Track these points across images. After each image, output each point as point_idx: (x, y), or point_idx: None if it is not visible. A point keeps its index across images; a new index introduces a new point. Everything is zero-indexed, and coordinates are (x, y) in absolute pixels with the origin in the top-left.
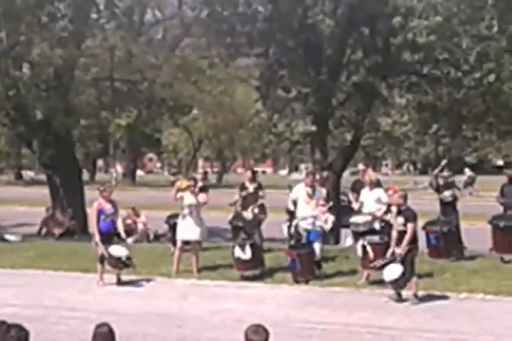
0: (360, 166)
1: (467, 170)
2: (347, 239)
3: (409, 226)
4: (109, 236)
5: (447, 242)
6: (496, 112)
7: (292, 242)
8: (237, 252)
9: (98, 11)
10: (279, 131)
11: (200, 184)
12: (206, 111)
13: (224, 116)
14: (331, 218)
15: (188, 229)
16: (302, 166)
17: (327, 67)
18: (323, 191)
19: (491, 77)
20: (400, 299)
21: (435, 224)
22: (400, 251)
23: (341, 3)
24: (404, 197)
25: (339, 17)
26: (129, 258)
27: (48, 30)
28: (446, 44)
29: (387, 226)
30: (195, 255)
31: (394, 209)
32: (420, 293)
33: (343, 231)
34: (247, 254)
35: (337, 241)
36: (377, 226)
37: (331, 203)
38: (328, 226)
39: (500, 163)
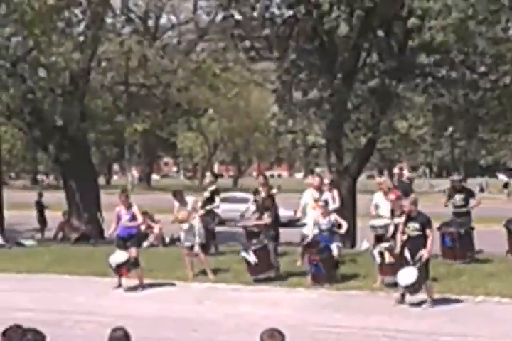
0: (396, 170)
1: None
2: (363, 243)
3: (429, 231)
4: (123, 241)
5: (463, 244)
6: (511, 114)
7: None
8: (245, 256)
9: (114, 15)
10: (291, 137)
11: (211, 188)
12: (221, 115)
13: (239, 119)
14: (344, 224)
15: (189, 235)
16: (317, 169)
17: (342, 71)
18: (333, 193)
19: (507, 79)
20: (402, 301)
21: (451, 226)
22: (426, 255)
23: (357, 7)
24: (415, 203)
25: (355, 21)
26: (119, 266)
27: (65, 35)
28: (462, 46)
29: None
30: (200, 258)
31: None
32: (436, 296)
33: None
34: (252, 258)
35: (353, 245)
36: (391, 230)
37: (336, 205)
38: (342, 231)
39: None
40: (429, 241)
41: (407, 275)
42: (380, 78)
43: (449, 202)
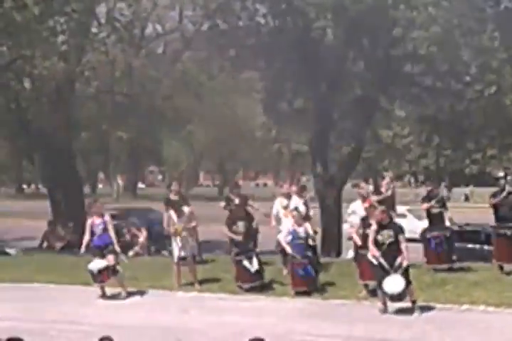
0: (388, 179)
1: None
2: (348, 252)
3: (402, 237)
4: (101, 250)
5: (449, 247)
6: (496, 125)
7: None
8: (247, 264)
9: (99, 24)
10: (277, 146)
11: (174, 197)
12: (207, 124)
13: (225, 128)
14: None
15: (182, 246)
16: (303, 179)
17: (328, 80)
18: (298, 199)
19: (492, 89)
20: (386, 310)
21: (434, 230)
22: (405, 262)
23: (343, 16)
24: (386, 212)
25: (340, 30)
26: (100, 271)
27: (49, 44)
28: (447, 56)
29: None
30: (191, 269)
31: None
32: (422, 305)
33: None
34: (254, 266)
35: (338, 254)
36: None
37: (311, 211)
38: (314, 243)
39: (501, 174)
40: (403, 247)
41: (395, 283)
42: (365, 88)
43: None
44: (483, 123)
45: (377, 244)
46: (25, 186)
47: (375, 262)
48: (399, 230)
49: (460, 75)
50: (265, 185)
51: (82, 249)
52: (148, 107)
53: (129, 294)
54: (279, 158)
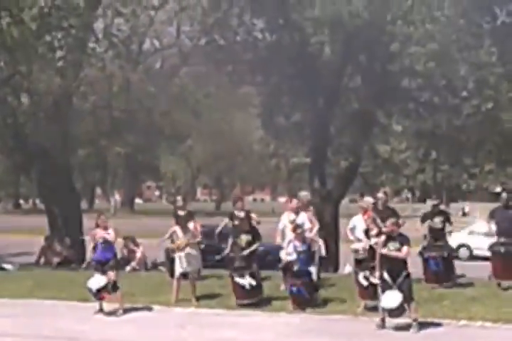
0: (380, 194)
1: None
2: (346, 267)
3: (406, 248)
4: (101, 265)
5: (447, 266)
6: (493, 140)
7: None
8: (240, 280)
9: (96, 40)
10: (275, 161)
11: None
12: (204, 139)
13: (222, 143)
14: (321, 244)
15: (185, 261)
16: (303, 193)
17: (325, 95)
18: (306, 215)
19: (489, 104)
20: (383, 326)
21: (433, 250)
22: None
23: (340, 32)
24: (396, 224)
25: (337, 45)
26: (99, 290)
27: (47, 59)
28: (444, 71)
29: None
30: (192, 285)
31: (374, 233)
32: (419, 320)
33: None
34: (249, 282)
35: (336, 269)
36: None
37: (316, 227)
38: (322, 252)
39: (498, 189)
40: (399, 253)
41: (392, 298)
42: (362, 102)
43: (427, 224)
44: (481, 138)
45: (383, 256)
46: (22, 201)
47: (365, 284)
48: (406, 241)
49: (457, 90)
50: (262, 200)
51: (86, 262)
52: (146, 123)
53: (126, 310)
54: (277, 173)
